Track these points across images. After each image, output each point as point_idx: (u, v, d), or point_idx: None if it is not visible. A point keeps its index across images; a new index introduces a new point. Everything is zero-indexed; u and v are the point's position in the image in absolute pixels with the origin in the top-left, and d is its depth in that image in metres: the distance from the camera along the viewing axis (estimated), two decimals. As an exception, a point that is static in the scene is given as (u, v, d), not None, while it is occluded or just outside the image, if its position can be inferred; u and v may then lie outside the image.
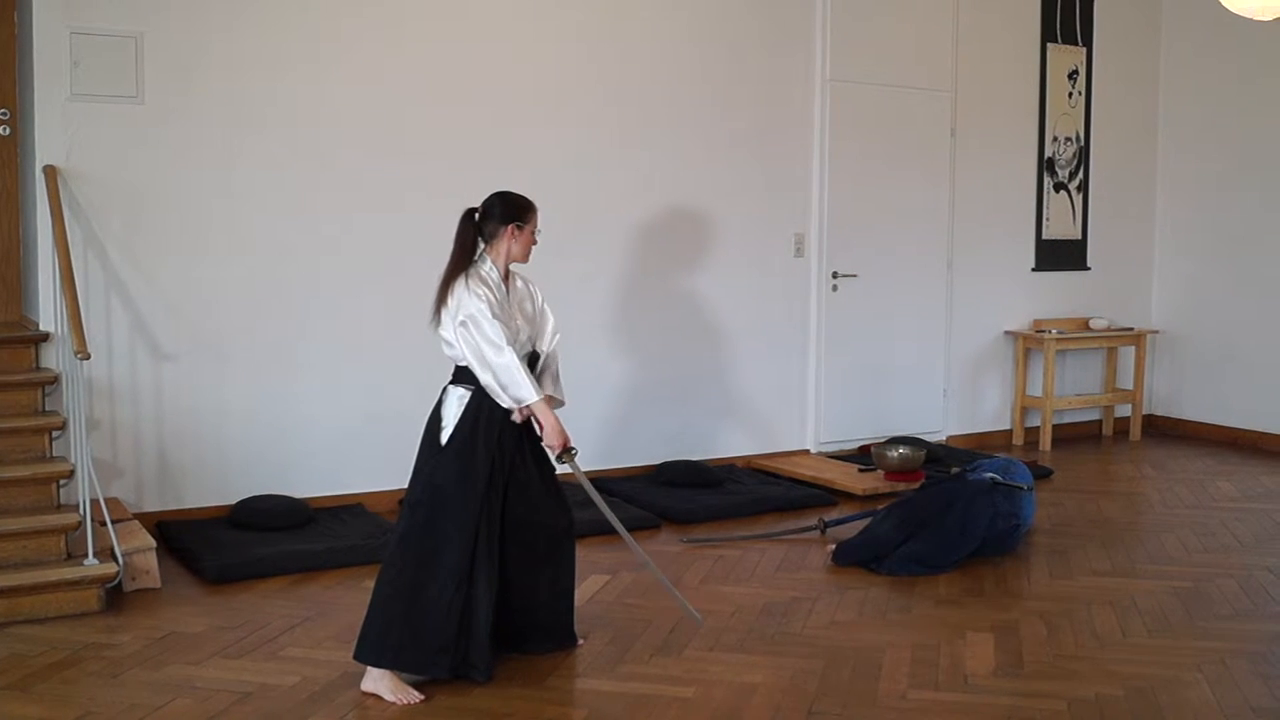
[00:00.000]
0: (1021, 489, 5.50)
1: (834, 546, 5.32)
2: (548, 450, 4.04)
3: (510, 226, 4.01)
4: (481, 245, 4.03)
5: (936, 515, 5.24)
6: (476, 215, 4.04)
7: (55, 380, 5.23)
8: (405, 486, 4.02)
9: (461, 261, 3.96)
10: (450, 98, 6.16)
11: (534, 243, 4.09)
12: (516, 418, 3.93)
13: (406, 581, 3.82)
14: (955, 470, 6.21)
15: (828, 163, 7.28)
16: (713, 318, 7.04)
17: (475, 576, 3.85)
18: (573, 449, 4.00)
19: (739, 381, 7.17)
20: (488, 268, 3.99)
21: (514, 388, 3.84)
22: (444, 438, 3.91)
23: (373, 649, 3.79)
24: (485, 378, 3.85)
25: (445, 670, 3.83)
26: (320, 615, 4.52)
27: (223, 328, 5.72)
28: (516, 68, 6.34)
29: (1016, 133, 8.13)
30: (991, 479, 5.44)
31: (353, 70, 5.93)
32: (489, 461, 3.89)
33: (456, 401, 3.93)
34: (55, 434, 5.11)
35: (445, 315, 3.91)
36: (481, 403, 3.90)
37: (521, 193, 4.12)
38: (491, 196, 4.07)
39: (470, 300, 3.86)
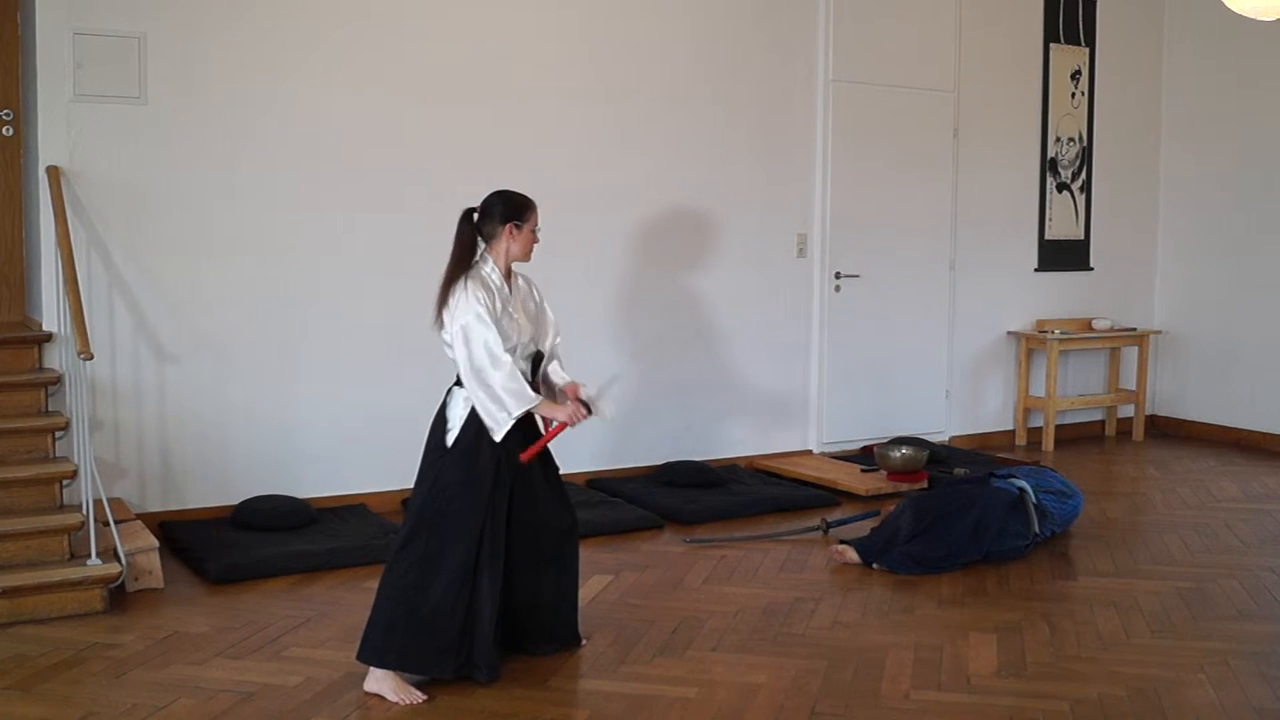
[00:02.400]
0: (1045, 514, 5.46)
1: (848, 546, 5.27)
2: (581, 408, 3.95)
3: (509, 226, 3.97)
4: (482, 245, 4.01)
5: (952, 515, 5.23)
6: (475, 215, 4.01)
7: (58, 381, 5.24)
8: (408, 487, 4.03)
9: (461, 262, 3.93)
10: (451, 98, 6.17)
11: (535, 241, 4.06)
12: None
13: (410, 582, 3.82)
14: (961, 471, 6.21)
15: (830, 163, 7.28)
16: (715, 318, 7.04)
17: (480, 577, 3.85)
18: (588, 404, 3.97)
19: (741, 382, 7.16)
20: (489, 269, 3.96)
21: (514, 397, 3.80)
22: (450, 439, 3.90)
23: (376, 649, 3.79)
24: (480, 394, 3.81)
25: (449, 671, 3.83)
26: (323, 615, 4.52)
27: (225, 328, 5.72)
28: (517, 68, 6.34)
29: (1019, 133, 8.13)
30: (1020, 490, 5.43)
31: (354, 70, 5.93)
32: (494, 463, 3.89)
33: (462, 403, 3.91)
34: (58, 434, 5.11)
35: (447, 317, 3.89)
36: None
37: (521, 191, 4.09)
38: (490, 195, 4.04)
39: (468, 305, 3.82)
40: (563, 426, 3.98)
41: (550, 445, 4.08)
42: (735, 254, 7.07)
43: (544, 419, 4.01)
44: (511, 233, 3.97)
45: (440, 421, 3.96)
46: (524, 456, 3.94)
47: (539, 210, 4.08)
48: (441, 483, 3.87)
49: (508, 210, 3.98)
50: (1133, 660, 4.16)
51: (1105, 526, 6.00)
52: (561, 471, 4.22)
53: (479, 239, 3.99)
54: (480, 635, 3.85)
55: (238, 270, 5.73)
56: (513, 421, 3.82)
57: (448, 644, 3.81)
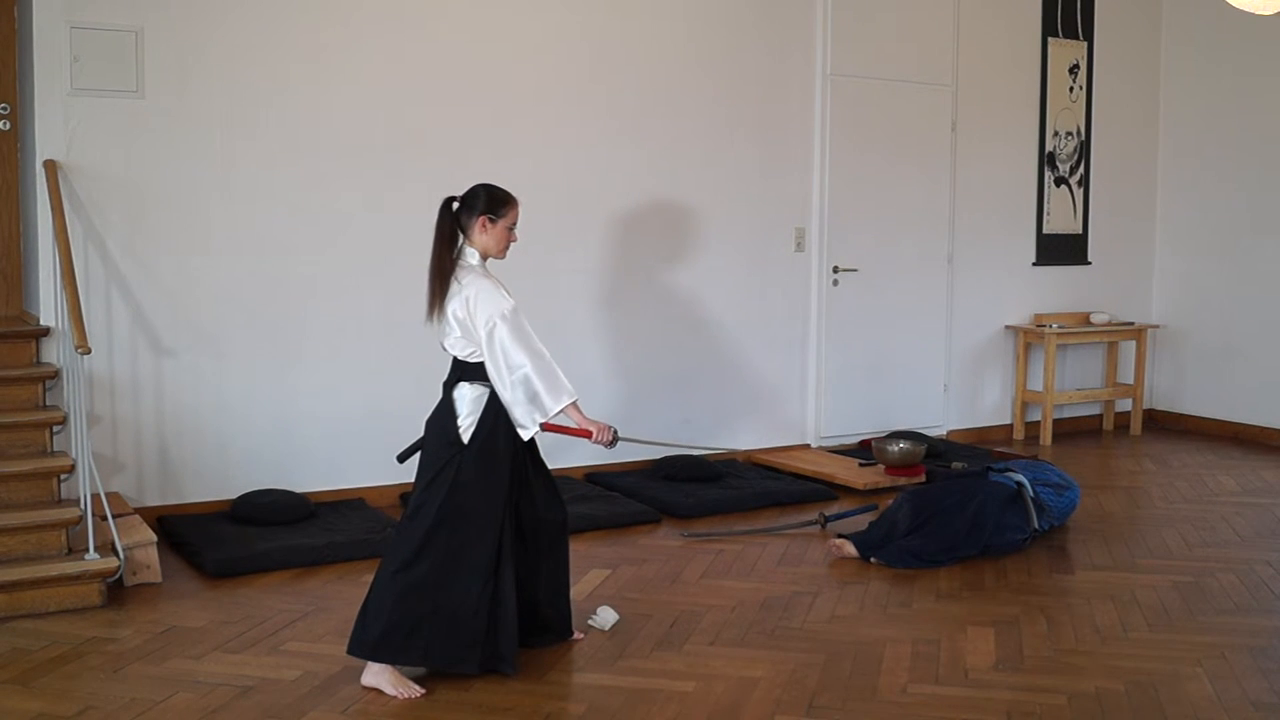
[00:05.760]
0: (1042, 508, 5.47)
1: (845, 540, 5.28)
2: (603, 445, 4.01)
3: (483, 219, 3.92)
4: (462, 237, 3.96)
5: (949, 510, 5.23)
6: (455, 205, 3.97)
7: (56, 375, 5.23)
8: (406, 481, 4.02)
9: (444, 253, 3.90)
10: (450, 93, 6.16)
11: (512, 239, 4.00)
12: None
13: (434, 581, 3.80)
14: (959, 465, 6.21)
15: (828, 157, 7.28)
16: (713, 312, 7.04)
17: (502, 572, 3.85)
18: (615, 435, 4.03)
19: (739, 376, 7.16)
20: (476, 261, 3.93)
21: (557, 388, 3.80)
22: (466, 437, 3.86)
23: (396, 650, 3.76)
24: (519, 391, 3.77)
25: (474, 667, 3.82)
26: (321, 610, 4.53)
27: (223, 322, 5.72)
28: (516, 64, 6.33)
29: (1017, 127, 8.13)
30: (1018, 484, 5.43)
31: (352, 65, 5.92)
32: (510, 458, 3.88)
33: (473, 401, 3.88)
34: (56, 429, 5.11)
35: (460, 311, 3.83)
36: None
37: (504, 186, 4.02)
38: (474, 186, 3.99)
39: (500, 299, 3.79)
40: (586, 435, 3.97)
41: (539, 441, 4.02)
42: (733, 248, 7.07)
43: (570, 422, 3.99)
44: (485, 225, 3.92)
45: (449, 418, 3.90)
46: (546, 427, 3.91)
47: (521, 207, 4.02)
48: (461, 479, 3.84)
49: (484, 203, 3.93)
50: (1130, 654, 4.16)
51: (1103, 521, 6.00)
52: (560, 465, 4.23)
53: (458, 229, 3.95)
54: (504, 629, 3.85)
55: (235, 265, 5.72)
56: (549, 417, 3.82)
57: (473, 640, 3.81)
